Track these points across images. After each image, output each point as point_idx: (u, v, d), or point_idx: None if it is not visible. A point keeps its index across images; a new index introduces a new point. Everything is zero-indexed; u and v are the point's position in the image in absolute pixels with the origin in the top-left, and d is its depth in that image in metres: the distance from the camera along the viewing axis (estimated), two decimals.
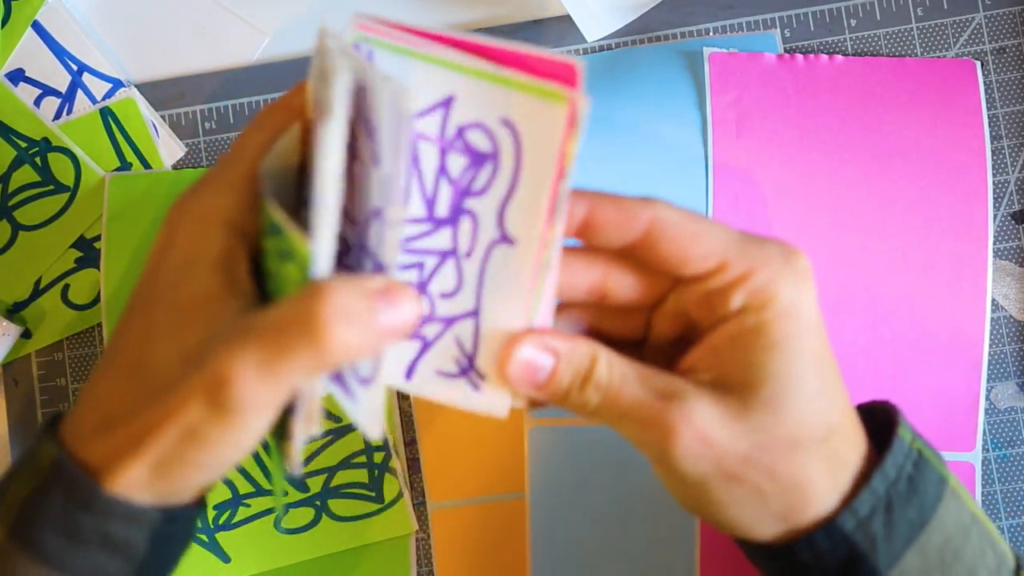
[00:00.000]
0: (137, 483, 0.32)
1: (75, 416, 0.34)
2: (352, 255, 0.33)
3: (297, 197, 0.35)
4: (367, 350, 0.30)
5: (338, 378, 0.33)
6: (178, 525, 0.34)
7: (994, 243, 0.50)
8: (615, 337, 0.37)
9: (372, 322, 0.30)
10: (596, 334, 0.37)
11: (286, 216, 0.31)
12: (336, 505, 0.51)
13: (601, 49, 0.52)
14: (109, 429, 0.32)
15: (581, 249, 0.36)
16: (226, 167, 0.35)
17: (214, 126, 0.53)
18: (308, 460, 0.51)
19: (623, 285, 0.36)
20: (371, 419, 0.33)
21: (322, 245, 0.30)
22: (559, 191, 0.31)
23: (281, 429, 0.34)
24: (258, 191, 0.34)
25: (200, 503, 0.36)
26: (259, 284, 0.34)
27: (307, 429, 0.32)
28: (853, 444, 0.34)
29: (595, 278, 0.35)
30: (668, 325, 0.36)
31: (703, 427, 0.32)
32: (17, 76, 0.53)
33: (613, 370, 0.33)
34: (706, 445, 0.32)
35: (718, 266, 0.34)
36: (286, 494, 0.51)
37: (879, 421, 0.36)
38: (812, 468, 0.33)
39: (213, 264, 0.33)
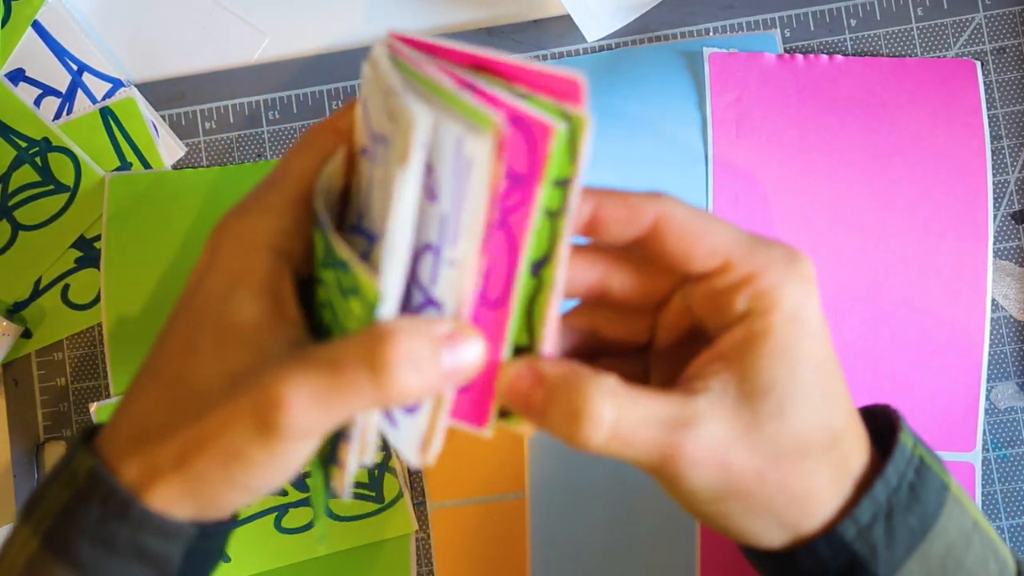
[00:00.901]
0: (175, 499, 0.32)
1: (112, 429, 0.34)
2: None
3: (339, 220, 0.35)
4: (428, 392, 0.31)
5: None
6: (212, 541, 0.34)
7: (994, 243, 0.50)
8: (620, 341, 0.37)
9: (435, 366, 0.30)
10: (599, 339, 0.37)
11: (352, 253, 0.31)
12: (336, 505, 0.51)
13: (601, 49, 0.52)
14: (149, 444, 0.32)
15: (583, 247, 0.35)
16: (271, 189, 0.35)
17: (214, 126, 0.53)
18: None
19: (625, 283, 0.35)
20: (412, 448, 0.33)
21: (391, 288, 0.30)
22: (491, 217, 0.30)
23: (328, 452, 0.34)
24: (315, 220, 0.34)
25: (234, 518, 0.36)
26: (305, 310, 0.35)
27: (361, 459, 0.33)
28: (857, 450, 0.34)
29: (596, 276, 0.35)
30: (674, 325, 0.36)
31: (719, 452, 0.32)
32: (17, 76, 0.53)
33: (620, 408, 0.32)
34: (723, 469, 0.32)
35: (723, 265, 0.33)
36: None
37: (880, 425, 0.36)
38: (818, 477, 0.33)
39: (259, 288, 0.33)
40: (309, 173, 0.35)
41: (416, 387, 0.30)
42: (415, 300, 0.32)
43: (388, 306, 0.31)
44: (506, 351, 0.33)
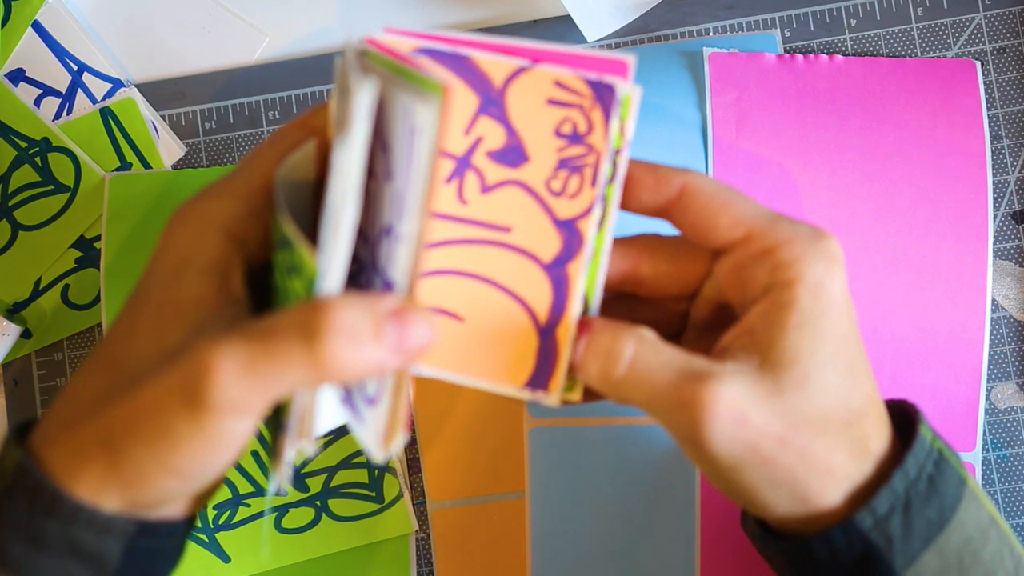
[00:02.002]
0: (102, 485, 0.31)
1: (46, 418, 0.33)
2: (364, 274, 0.33)
3: (313, 215, 0.35)
4: (371, 370, 0.29)
5: (348, 400, 0.33)
6: (159, 540, 0.33)
7: (994, 243, 0.50)
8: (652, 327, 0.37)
9: (377, 343, 0.29)
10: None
11: (297, 230, 0.31)
12: (336, 505, 0.51)
13: (601, 49, 0.52)
14: (76, 428, 0.31)
15: (615, 240, 0.36)
16: (232, 177, 0.34)
17: (214, 126, 0.53)
18: (308, 460, 0.51)
19: (658, 271, 0.36)
20: (374, 440, 0.32)
21: (331, 261, 0.29)
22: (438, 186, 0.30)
23: (275, 446, 0.33)
24: (273, 203, 0.34)
25: (188, 520, 0.34)
26: (262, 298, 0.34)
27: (298, 445, 0.31)
28: (878, 432, 0.34)
29: (628, 265, 0.36)
30: (704, 313, 0.36)
31: (739, 407, 0.32)
32: (17, 76, 0.53)
33: (644, 346, 0.33)
34: (742, 426, 0.32)
35: (746, 236, 0.34)
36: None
37: (899, 418, 0.36)
38: (838, 452, 0.33)
39: (205, 268, 0.32)
40: (273, 164, 0.34)
41: (354, 362, 0.29)
42: (375, 286, 0.32)
43: (328, 281, 0.30)
44: (575, 311, 0.34)
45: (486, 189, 0.33)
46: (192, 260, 0.32)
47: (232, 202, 0.33)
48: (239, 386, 0.29)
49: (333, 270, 0.30)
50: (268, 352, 0.29)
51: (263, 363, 0.29)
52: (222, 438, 0.30)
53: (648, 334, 0.34)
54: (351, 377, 0.29)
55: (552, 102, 0.33)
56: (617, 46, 0.52)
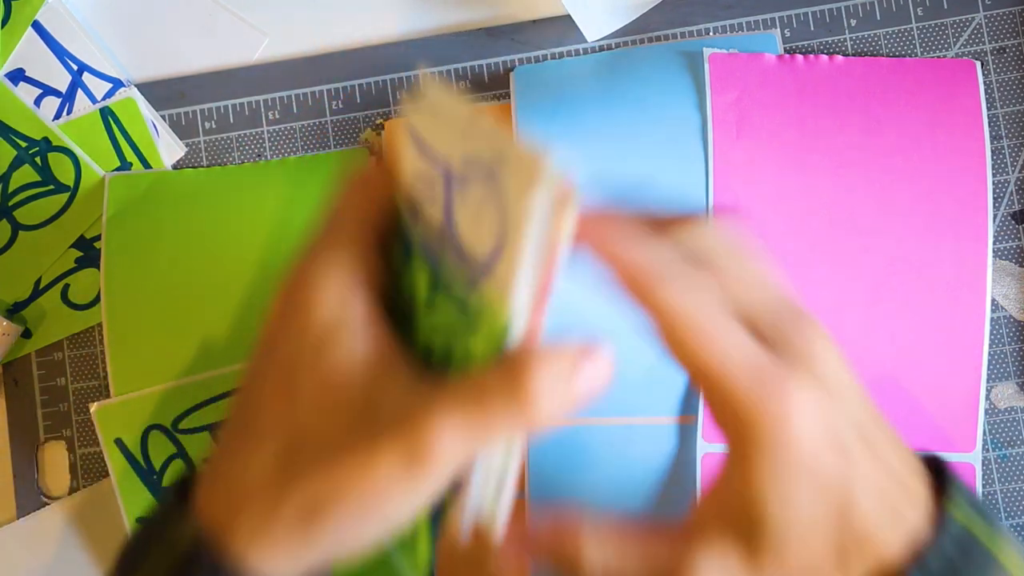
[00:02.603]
0: (294, 558, 0.31)
1: (213, 491, 0.33)
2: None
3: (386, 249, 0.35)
4: (568, 411, 0.31)
5: None
6: None
7: (994, 243, 0.50)
8: None
9: (574, 386, 0.31)
10: None
11: (473, 274, 0.32)
12: None
13: (601, 49, 0.52)
14: (261, 504, 0.31)
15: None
16: (335, 231, 0.34)
17: (214, 126, 0.53)
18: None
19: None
20: None
21: (522, 309, 0.31)
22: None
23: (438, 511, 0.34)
24: (404, 248, 0.34)
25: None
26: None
27: (505, 497, 0.33)
28: (882, 549, 0.32)
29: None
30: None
31: None
32: (17, 76, 0.53)
33: (608, 550, 0.33)
34: None
35: (717, 375, 0.33)
36: None
37: (931, 478, 0.35)
38: None
39: (358, 326, 0.33)
40: (365, 212, 0.35)
41: (558, 408, 0.31)
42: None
43: (519, 328, 0.31)
44: None
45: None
46: (340, 321, 0.33)
47: (351, 257, 0.34)
48: (456, 445, 0.30)
49: (522, 316, 0.31)
50: (483, 412, 0.30)
51: (479, 422, 0.30)
52: (427, 491, 0.31)
53: (609, 532, 0.34)
54: (553, 421, 0.31)
55: None
56: (617, 46, 0.52)
